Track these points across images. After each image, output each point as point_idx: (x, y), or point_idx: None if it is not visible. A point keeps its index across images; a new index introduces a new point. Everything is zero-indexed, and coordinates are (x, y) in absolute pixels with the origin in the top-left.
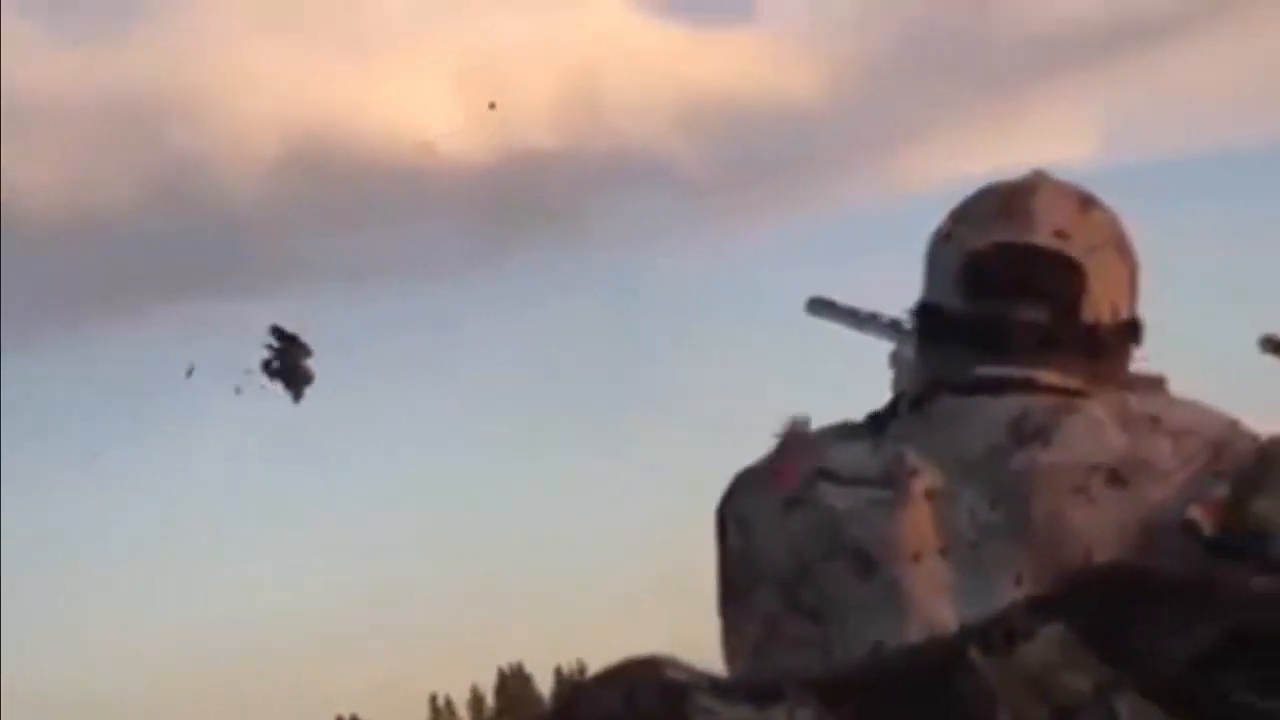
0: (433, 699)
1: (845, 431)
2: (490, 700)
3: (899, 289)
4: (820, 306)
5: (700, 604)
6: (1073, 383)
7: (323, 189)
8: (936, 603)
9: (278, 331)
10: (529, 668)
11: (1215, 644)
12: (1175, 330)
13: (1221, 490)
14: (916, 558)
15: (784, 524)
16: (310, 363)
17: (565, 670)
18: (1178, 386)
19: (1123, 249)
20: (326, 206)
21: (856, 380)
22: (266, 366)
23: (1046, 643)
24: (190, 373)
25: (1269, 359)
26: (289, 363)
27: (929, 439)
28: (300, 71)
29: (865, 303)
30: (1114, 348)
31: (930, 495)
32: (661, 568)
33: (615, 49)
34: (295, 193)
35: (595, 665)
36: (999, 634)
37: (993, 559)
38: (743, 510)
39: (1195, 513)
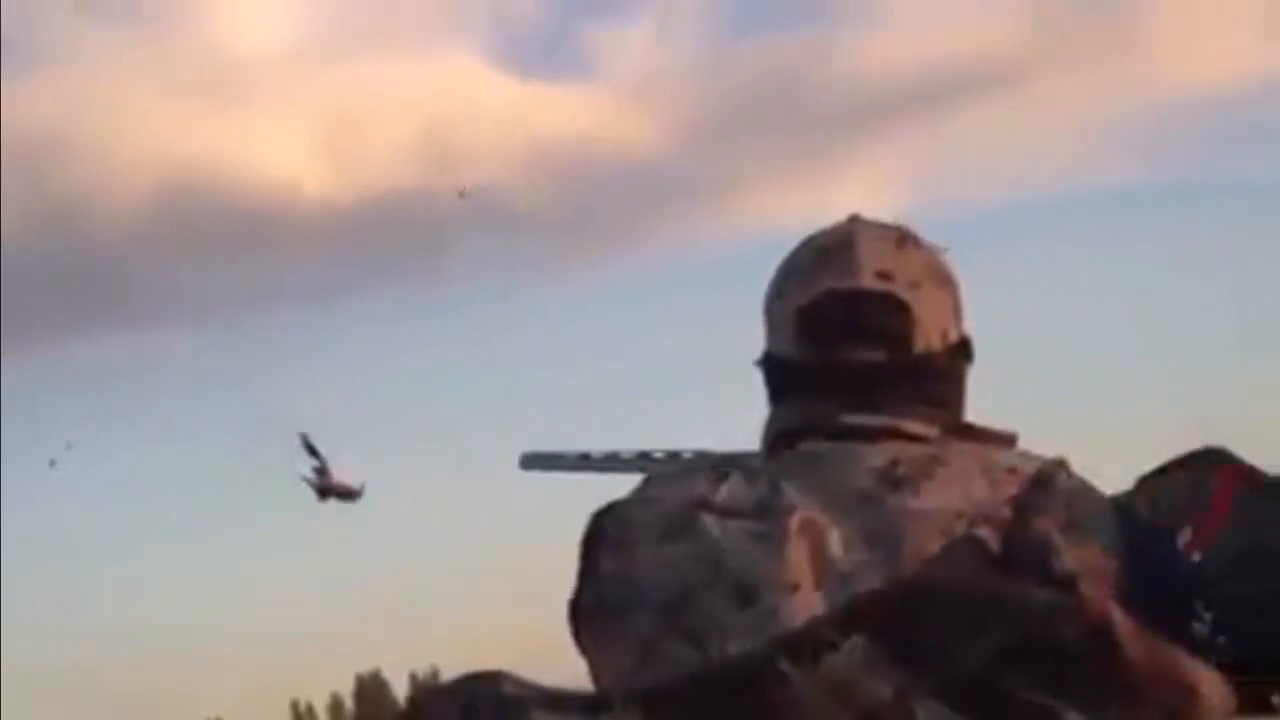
0: (294, 705)
1: (719, 464)
2: (350, 705)
3: (738, 327)
4: (536, 461)
5: (552, 612)
6: (934, 431)
7: (191, 228)
8: None
9: (307, 443)
10: (385, 674)
11: (1003, 650)
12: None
13: (1006, 511)
14: (794, 588)
15: (666, 551)
16: (357, 487)
17: (420, 676)
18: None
19: (942, 278)
20: (195, 244)
21: (713, 411)
22: (307, 479)
23: (850, 652)
24: None
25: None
26: (325, 483)
27: (802, 476)
28: (172, 116)
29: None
30: (949, 369)
31: (805, 529)
32: (514, 576)
33: (467, 100)
34: (166, 230)
35: (448, 670)
36: (807, 645)
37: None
38: (620, 536)
39: (983, 531)
